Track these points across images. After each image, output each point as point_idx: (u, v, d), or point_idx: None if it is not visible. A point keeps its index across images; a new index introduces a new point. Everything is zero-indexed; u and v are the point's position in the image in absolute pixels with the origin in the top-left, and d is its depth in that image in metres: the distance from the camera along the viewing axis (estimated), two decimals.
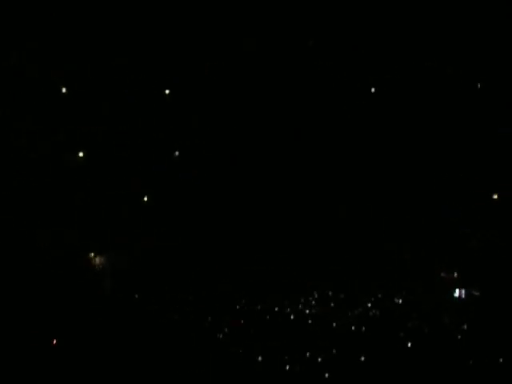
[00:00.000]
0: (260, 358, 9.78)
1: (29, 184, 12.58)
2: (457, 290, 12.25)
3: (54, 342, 9.93)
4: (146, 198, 12.95)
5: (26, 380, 8.94)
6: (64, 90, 12.80)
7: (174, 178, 13.23)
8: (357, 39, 13.38)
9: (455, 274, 12.40)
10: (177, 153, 13.04)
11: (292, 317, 11.37)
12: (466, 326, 10.98)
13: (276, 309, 11.76)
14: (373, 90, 13.23)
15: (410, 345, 10.38)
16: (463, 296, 12.16)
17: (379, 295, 12.23)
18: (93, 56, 12.95)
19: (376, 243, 12.93)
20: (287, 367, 9.72)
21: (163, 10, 13.10)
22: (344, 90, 13.49)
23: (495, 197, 11.85)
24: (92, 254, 12.93)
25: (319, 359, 9.91)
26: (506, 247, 12.18)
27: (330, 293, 12.49)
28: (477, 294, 12.00)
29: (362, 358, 9.85)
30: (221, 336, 10.78)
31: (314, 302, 12.23)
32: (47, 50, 12.72)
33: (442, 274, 12.51)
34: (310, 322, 11.09)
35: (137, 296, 12.30)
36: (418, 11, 13.00)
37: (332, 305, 12.06)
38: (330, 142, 13.48)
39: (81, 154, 12.82)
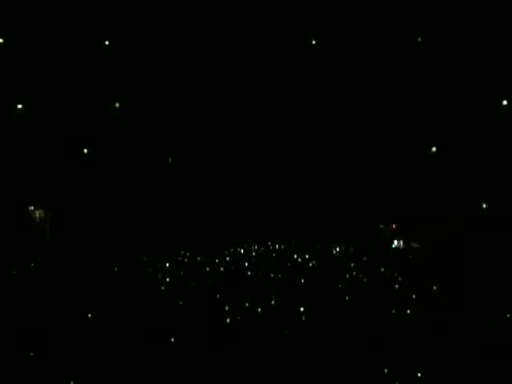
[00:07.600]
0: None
1: None
2: (395, 241, 12.40)
3: None
4: (86, 151, 12.83)
5: None
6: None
7: (112, 131, 13.12)
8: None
9: (394, 226, 12.55)
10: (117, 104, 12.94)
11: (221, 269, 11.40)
12: (402, 277, 11.11)
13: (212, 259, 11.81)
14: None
15: (348, 296, 10.47)
16: (401, 247, 12.31)
17: (318, 245, 12.34)
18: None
19: (317, 194, 13.02)
20: (227, 320, 9.71)
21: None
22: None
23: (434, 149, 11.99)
24: (32, 208, 12.80)
25: (259, 309, 9.94)
26: (445, 199, 12.35)
27: (269, 243, 12.57)
28: (415, 246, 12.13)
29: (302, 309, 9.90)
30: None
31: (254, 254, 12.30)
32: None
33: (381, 226, 12.66)
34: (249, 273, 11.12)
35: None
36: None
37: (271, 255, 12.12)
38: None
39: (19, 106, 12.61)
